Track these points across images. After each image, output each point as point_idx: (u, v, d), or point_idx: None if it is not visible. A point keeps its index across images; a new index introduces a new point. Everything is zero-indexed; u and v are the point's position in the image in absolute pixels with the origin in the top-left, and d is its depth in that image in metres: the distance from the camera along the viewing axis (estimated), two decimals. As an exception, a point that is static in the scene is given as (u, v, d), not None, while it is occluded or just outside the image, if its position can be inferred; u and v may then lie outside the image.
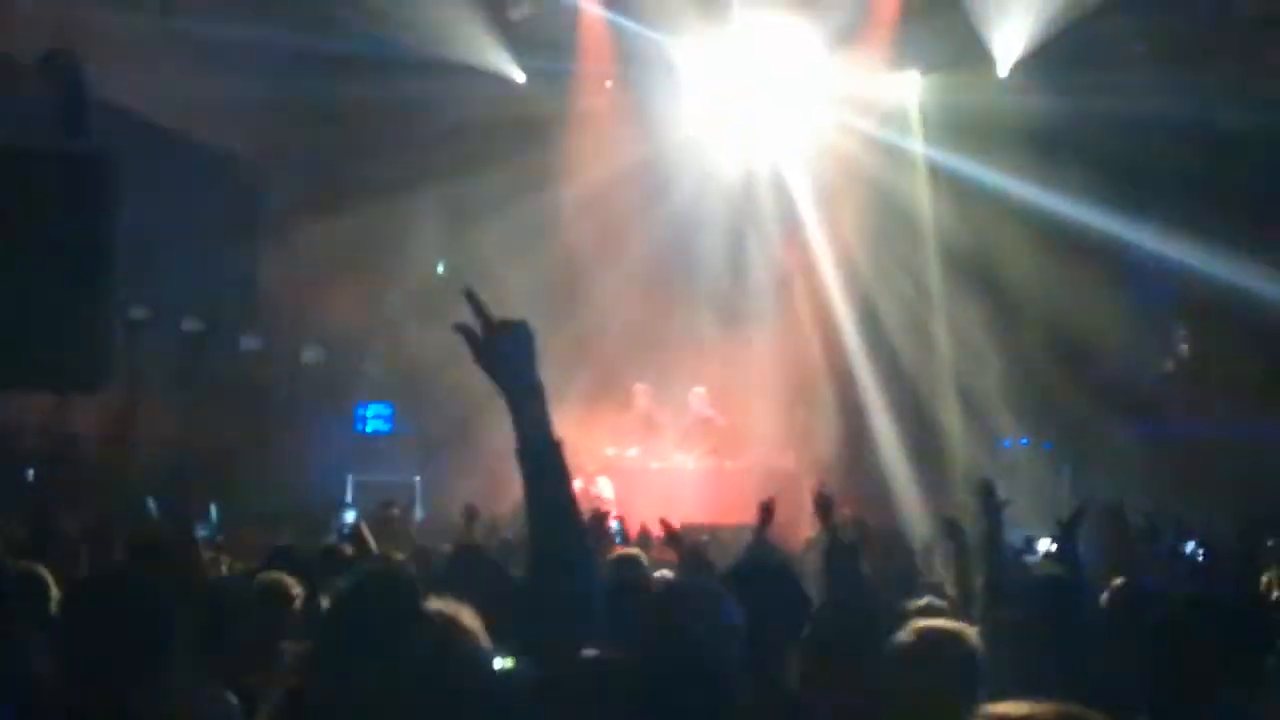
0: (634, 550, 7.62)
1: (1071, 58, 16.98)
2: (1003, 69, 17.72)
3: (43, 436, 13.41)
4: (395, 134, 18.05)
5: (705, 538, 11.51)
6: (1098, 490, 14.23)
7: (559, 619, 3.16)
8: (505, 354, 3.18)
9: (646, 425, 17.59)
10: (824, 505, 7.86)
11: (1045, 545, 9.47)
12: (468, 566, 5.96)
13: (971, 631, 4.45)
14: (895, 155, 18.52)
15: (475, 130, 18.06)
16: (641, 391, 17.70)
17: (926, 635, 4.25)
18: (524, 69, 18.76)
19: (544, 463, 3.17)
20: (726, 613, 3.95)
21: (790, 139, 18.91)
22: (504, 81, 18.61)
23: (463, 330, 3.18)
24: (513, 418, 3.18)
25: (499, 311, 3.21)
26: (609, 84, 19.22)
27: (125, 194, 12.22)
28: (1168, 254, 17.15)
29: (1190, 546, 9.09)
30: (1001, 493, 6.95)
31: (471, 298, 3.22)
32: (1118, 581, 5.88)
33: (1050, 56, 17.14)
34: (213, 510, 12.13)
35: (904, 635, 4.25)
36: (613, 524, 10.63)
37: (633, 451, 17.26)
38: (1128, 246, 17.48)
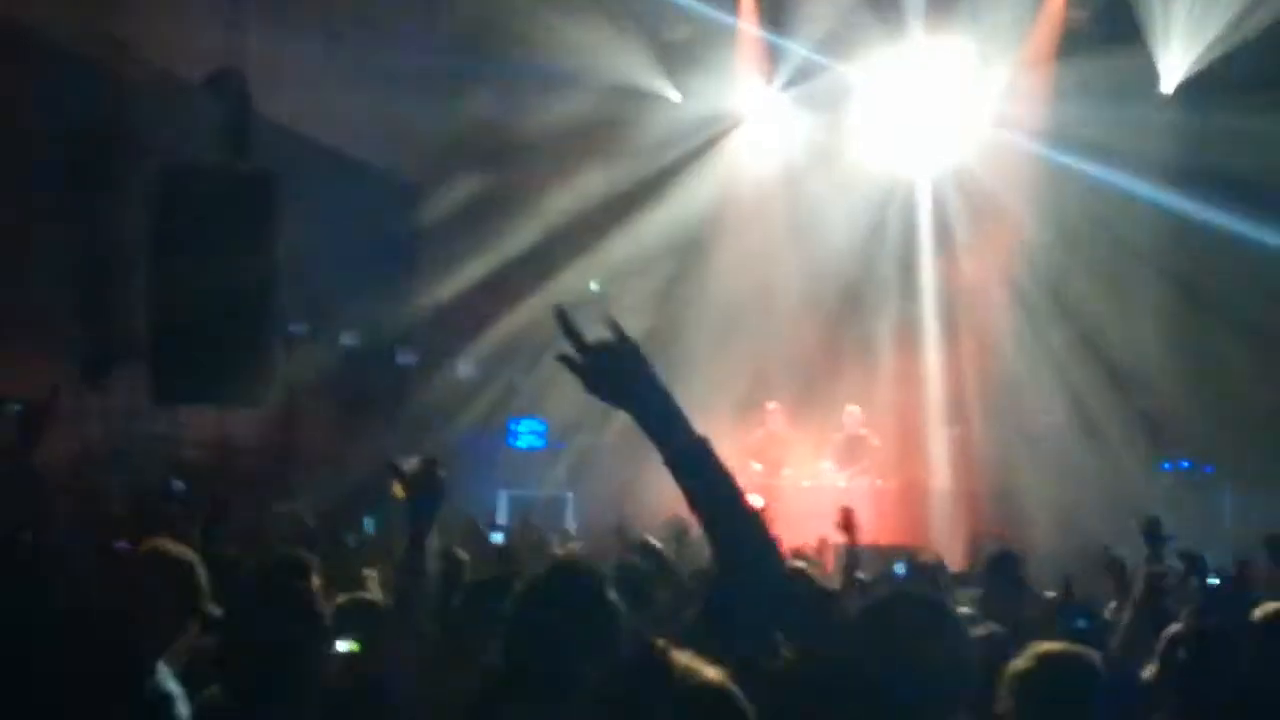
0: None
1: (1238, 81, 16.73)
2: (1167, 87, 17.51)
3: (203, 449, 13.68)
4: (552, 152, 18.20)
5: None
6: (1258, 516, 13.92)
7: (755, 616, 3.08)
8: (611, 373, 3.05)
9: (776, 444, 17.53)
10: (846, 524, 7.75)
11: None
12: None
13: (1094, 656, 4.39)
14: (1059, 173, 18.25)
15: (629, 148, 18.20)
16: (774, 411, 17.67)
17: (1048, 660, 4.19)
18: (680, 88, 18.86)
19: (693, 465, 3.03)
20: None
21: (953, 155, 18.75)
22: (661, 100, 18.72)
23: (564, 361, 3.06)
24: (645, 434, 3.05)
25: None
26: (765, 102, 19.18)
27: (288, 212, 12.49)
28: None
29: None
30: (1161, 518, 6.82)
31: (562, 318, 3.09)
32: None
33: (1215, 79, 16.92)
34: (366, 522, 12.30)
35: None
36: None
37: (787, 471, 17.22)
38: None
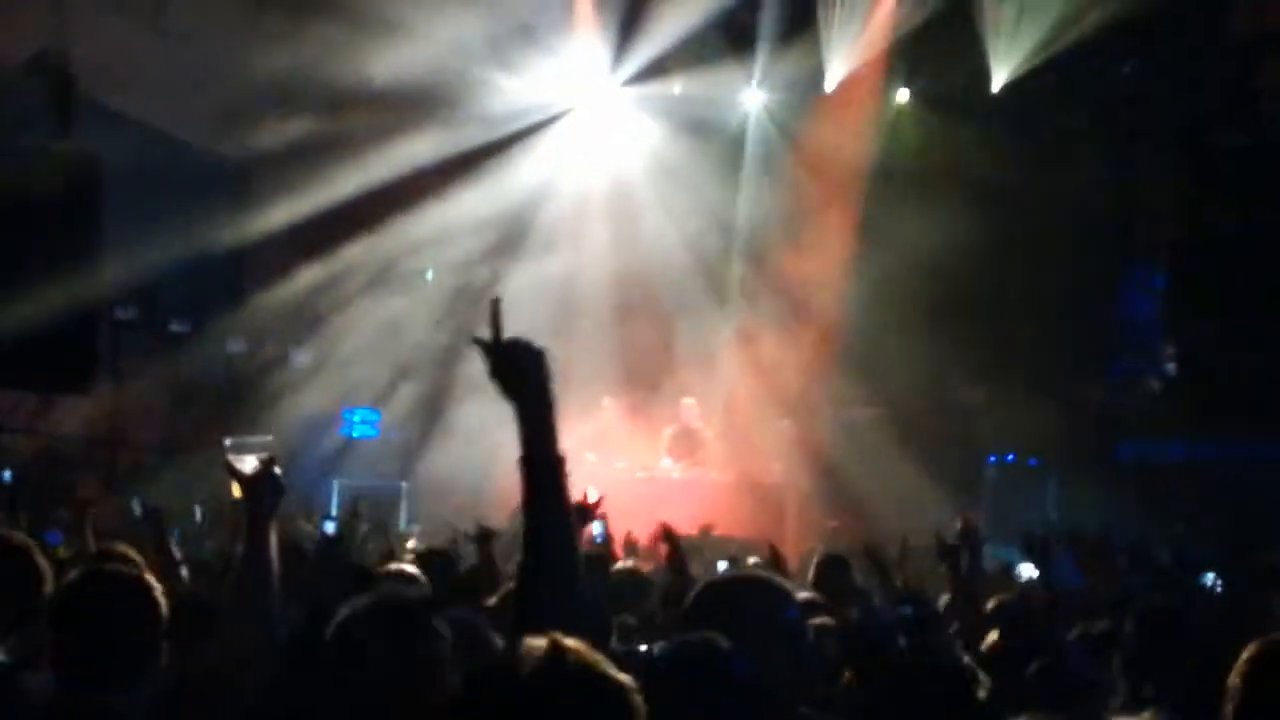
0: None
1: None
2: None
3: (28, 437, 13.37)
4: (384, 127, 17.97)
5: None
6: (1082, 508, 14.27)
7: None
8: (519, 369, 3.22)
9: (610, 437, 17.61)
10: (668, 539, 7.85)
11: (1027, 570, 9.39)
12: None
13: None
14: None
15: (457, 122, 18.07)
16: (608, 405, 17.75)
17: None
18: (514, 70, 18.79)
19: (544, 477, 3.20)
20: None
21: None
22: (492, 80, 18.63)
23: (479, 344, 3.23)
24: (519, 429, 3.21)
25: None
26: (601, 94, 19.22)
27: (114, 195, 12.24)
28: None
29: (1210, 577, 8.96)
30: (987, 509, 6.99)
31: (494, 310, 3.28)
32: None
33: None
34: (197, 511, 12.10)
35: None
36: (595, 525, 10.58)
37: (620, 463, 17.26)
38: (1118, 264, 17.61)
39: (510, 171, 18.41)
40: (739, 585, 4.04)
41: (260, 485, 4.37)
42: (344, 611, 3.62)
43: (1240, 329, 16.75)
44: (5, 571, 4.69)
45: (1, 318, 11.64)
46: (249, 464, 4.40)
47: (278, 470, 4.41)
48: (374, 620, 3.60)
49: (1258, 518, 14.28)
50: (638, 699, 2.32)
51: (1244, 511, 14.70)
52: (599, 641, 2.85)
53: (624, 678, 2.33)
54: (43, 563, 4.79)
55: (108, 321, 13.37)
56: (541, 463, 3.20)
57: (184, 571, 6.63)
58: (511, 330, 3.23)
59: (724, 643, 3.47)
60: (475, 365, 3.21)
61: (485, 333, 3.24)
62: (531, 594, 3.19)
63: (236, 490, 4.38)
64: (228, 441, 4.35)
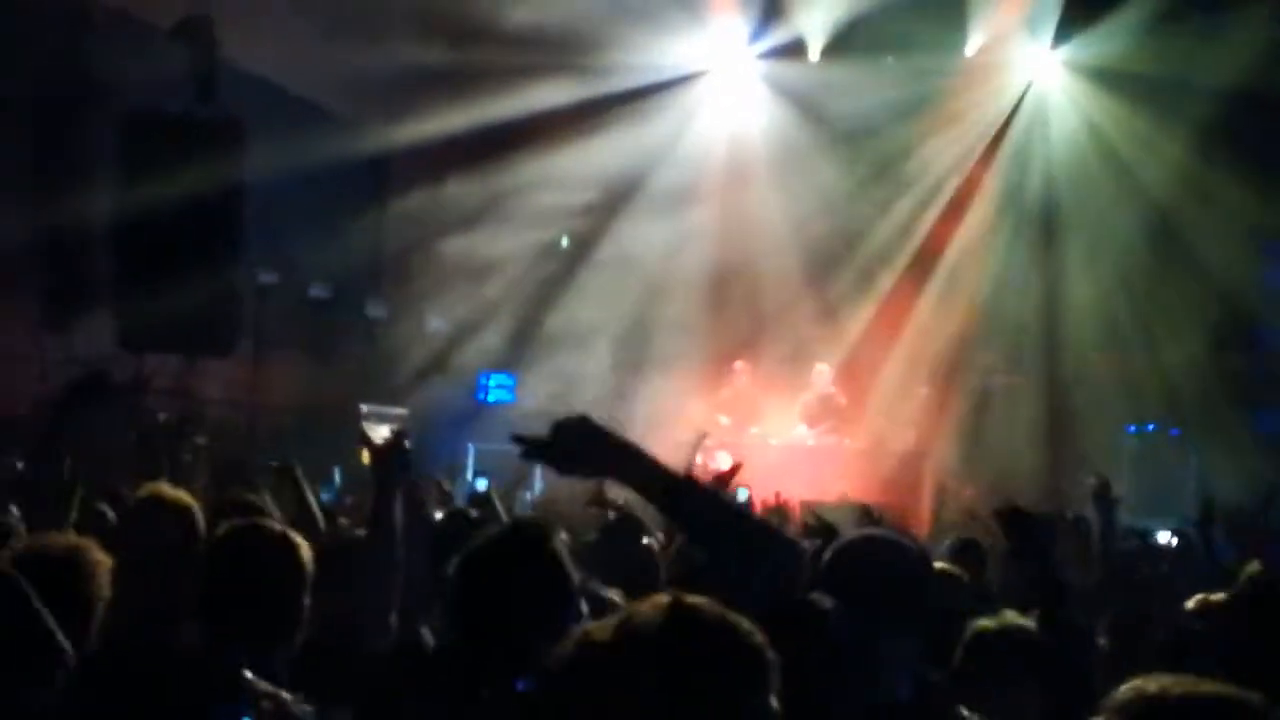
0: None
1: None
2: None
3: (171, 398, 13.60)
4: (519, 105, 18.04)
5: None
6: (1226, 481, 13.96)
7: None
8: (575, 452, 3.10)
9: (742, 403, 17.56)
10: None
11: (1165, 537, 9.21)
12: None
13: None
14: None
15: (589, 103, 18.07)
16: (741, 369, 17.69)
17: None
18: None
19: (687, 507, 3.11)
20: None
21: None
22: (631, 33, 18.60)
23: (530, 456, 3.14)
24: (634, 491, 3.12)
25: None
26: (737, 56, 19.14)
27: (255, 160, 12.41)
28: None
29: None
30: (1125, 480, 6.87)
31: (518, 440, 3.15)
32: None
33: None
34: (336, 474, 12.25)
35: None
36: (740, 492, 10.61)
37: (755, 429, 17.23)
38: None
39: (640, 127, 18.40)
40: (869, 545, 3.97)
41: (390, 456, 4.45)
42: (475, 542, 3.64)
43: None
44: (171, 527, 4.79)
45: (148, 283, 11.88)
46: (381, 433, 4.49)
47: (408, 443, 4.48)
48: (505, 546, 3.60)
49: None
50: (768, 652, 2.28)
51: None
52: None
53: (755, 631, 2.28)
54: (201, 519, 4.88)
55: (249, 286, 13.56)
56: (672, 497, 3.08)
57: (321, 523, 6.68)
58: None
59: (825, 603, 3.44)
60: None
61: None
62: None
63: (366, 458, 4.46)
64: (364, 409, 4.44)
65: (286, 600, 3.98)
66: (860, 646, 3.41)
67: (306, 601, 4.02)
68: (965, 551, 7.24)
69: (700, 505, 3.11)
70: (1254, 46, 16.36)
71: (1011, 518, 4.91)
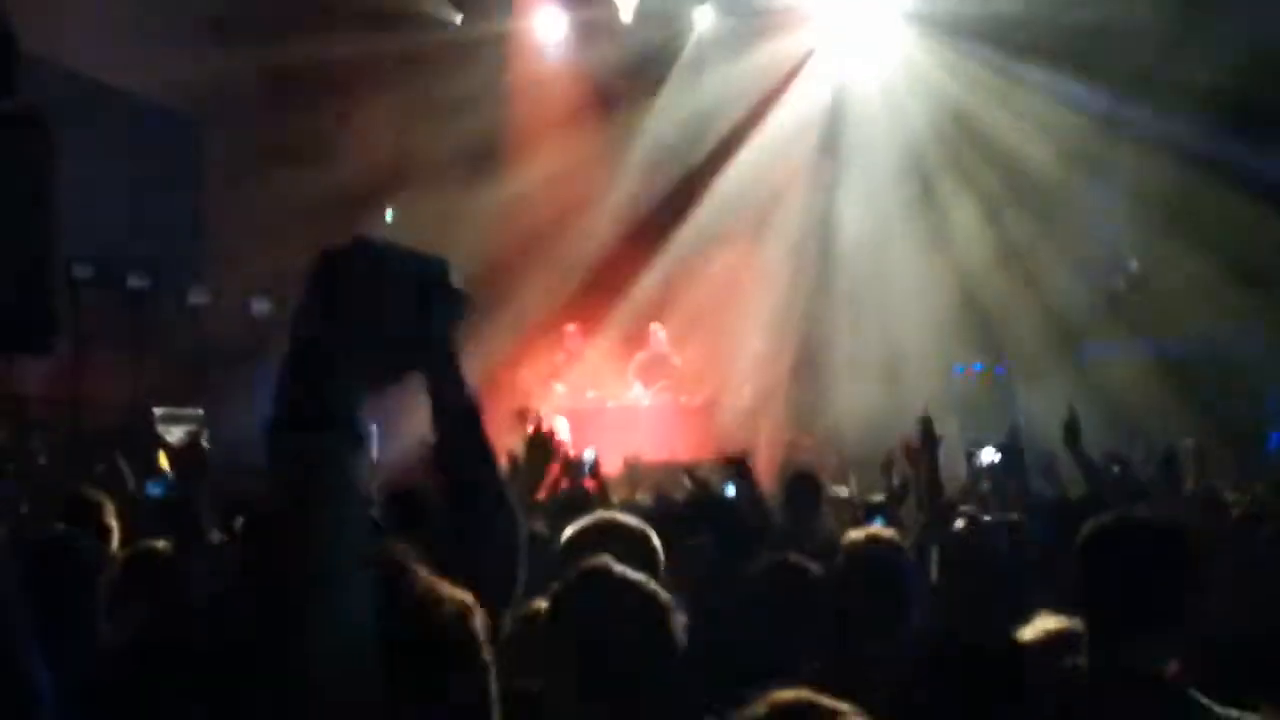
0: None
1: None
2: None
3: (-9, 399, 13.29)
4: (336, 81, 17.91)
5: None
6: (1051, 413, 14.29)
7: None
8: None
9: (575, 365, 17.62)
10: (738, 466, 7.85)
11: (989, 454, 9.48)
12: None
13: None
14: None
15: (417, 75, 18.01)
16: (572, 333, 17.74)
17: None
18: (461, 9, 18.74)
19: (460, 426, 2.97)
20: None
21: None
22: (440, 24, 18.61)
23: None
24: (427, 383, 2.91)
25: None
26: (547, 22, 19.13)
27: (65, 152, 12.10)
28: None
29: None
30: (954, 418, 7.07)
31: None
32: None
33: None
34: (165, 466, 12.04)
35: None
36: (587, 454, 10.65)
37: (591, 393, 17.27)
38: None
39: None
40: None
41: (187, 458, 4.50)
42: None
43: None
44: None
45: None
46: (177, 435, 4.56)
47: (204, 444, 4.53)
48: None
49: None
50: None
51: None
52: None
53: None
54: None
55: (65, 281, 13.24)
56: (455, 414, 2.94)
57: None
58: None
59: None
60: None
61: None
62: (463, 542, 2.97)
63: (164, 461, 4.51)
64: (157, 412, 4.41)
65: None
66: None
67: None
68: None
69: (473, 443, 2.97)
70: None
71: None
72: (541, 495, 6.25)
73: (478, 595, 2.29)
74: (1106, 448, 9.83)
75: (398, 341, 1.85)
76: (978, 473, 8.40)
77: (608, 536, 4.02)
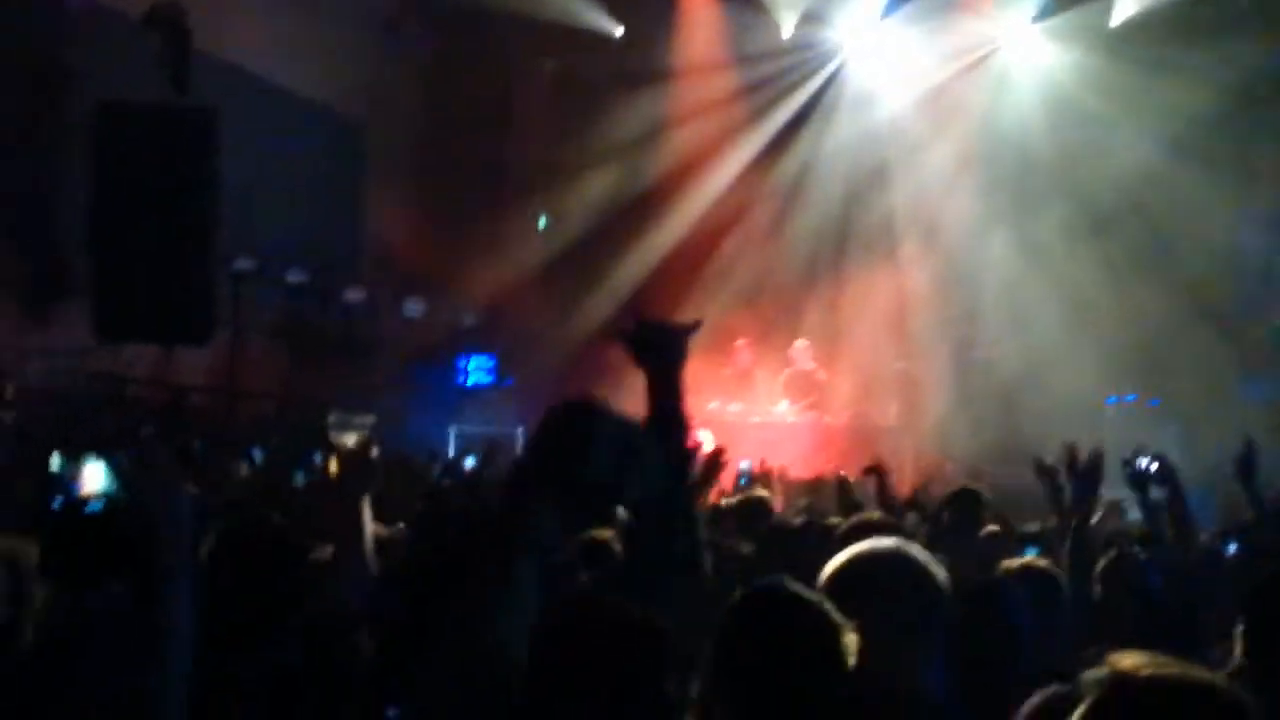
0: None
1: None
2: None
3: (150, 387, 13.58)
4: (498, 88, 18.14)
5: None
6: (1207, 451, 13.98)
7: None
8: (661, 349, 3.28)
9: (746, 381, 17.58)
10: (877, 473, 7.72)
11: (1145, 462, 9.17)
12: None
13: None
14: (1010, 98, 18.39)
15: (577, 85, 18.17)
16: (742, 347, 17.69)
17: None
18: (622, 22, 18.85)
19: (670, 433, 3.20)
20: None
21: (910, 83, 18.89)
22: (602, 37, 18.73)
23: (621, 336, 3.33)
24: (650, 389, 3.25)
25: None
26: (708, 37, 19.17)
27: (230, 148, 12.37)
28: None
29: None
30: (1106, 449, 6.86)
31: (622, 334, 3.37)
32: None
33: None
34: (317, 458, 12.22)
35: None
36: (743, 465, 10.85)
37: (735, 407, 17.23)
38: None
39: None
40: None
41: (355, 464, 4.53)
42: None
43: None
44: None
45: (123, 273, 11.84)
46: (348, 441, 4.58)
47: (374, 452, 4.56)
48: None
49: None
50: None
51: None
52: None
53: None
54: None
55: (225, 273, 13.54)
56: (668, 425, 3.19)
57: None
58: None
59: None
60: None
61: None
62: (650, 540, 3.14)
63: (334, 466, 4.53)
64: (331, 418, 4.47)
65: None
66: None
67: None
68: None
69: (676, 459, 3.20)
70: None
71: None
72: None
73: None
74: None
75: (591, 492, 2.17)
76: (1140, 476, 8.03)
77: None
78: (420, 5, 18.09)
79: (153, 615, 2.67)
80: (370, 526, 4.48)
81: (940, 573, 3.58)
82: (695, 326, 3.39)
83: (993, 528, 7.73)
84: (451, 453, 16.26)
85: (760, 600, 3.19)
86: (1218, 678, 2.32)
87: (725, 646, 3.07)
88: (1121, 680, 2.28)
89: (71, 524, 3.69)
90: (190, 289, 12.04)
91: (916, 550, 3.66)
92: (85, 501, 3.21)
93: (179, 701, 2.69)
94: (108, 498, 3.20)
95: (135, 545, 2.70)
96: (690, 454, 3.32)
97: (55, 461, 5.70)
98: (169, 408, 13.10)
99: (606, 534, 5.30)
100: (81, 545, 3.59)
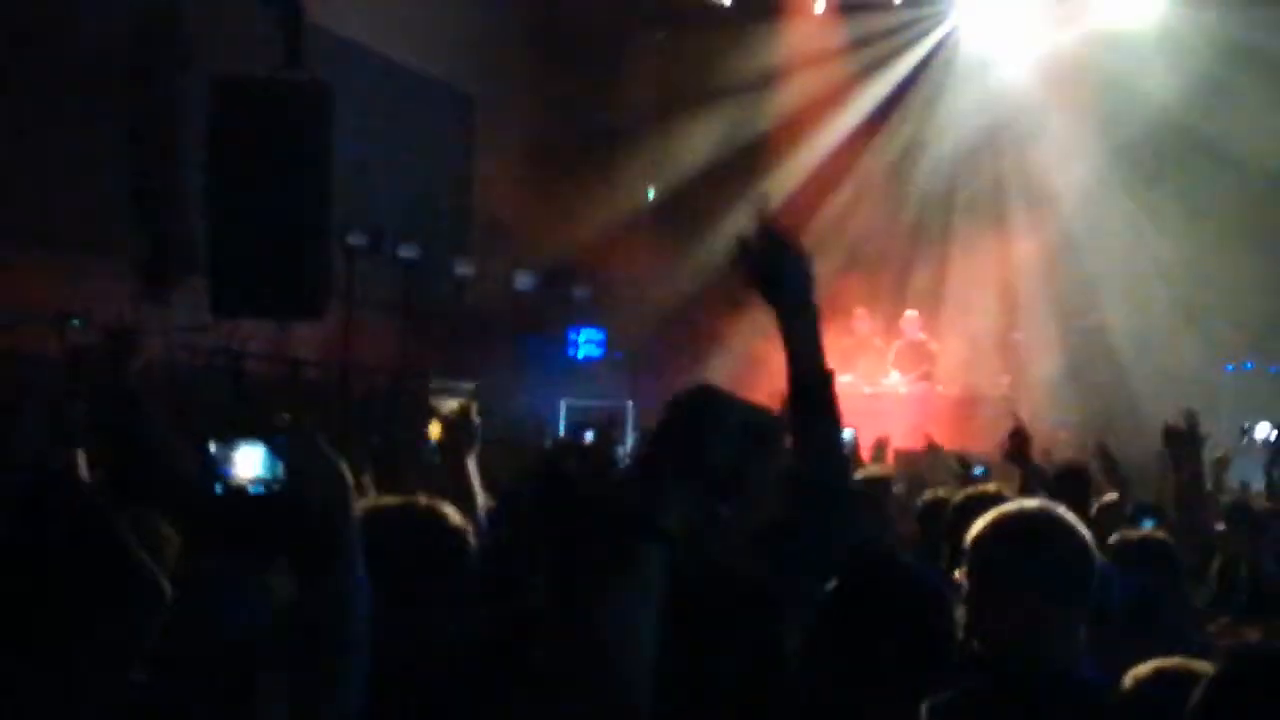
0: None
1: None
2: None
3: (265, 360, 13.75)
4: (608, 59, 18.16)
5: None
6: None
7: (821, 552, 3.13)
8: (782, 275, 3.13)
9: (865, 350, 17.50)
10: (1018, 441, 7.51)
11: (1265, 430, 8.94)
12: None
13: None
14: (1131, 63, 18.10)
15: (684, 57, 18.16)
16: (861, 315, 17.60)
17: None
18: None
19: (814, 393, 3.16)
20: None
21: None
22: (711, 6, 18.69)
23: (740, 244, 3.13)
24: (785, 343, 3.14)
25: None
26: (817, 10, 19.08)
27: (343, 123, 12.48)
28: None
29: None
30: (1224, 418, 6.76)
31: (762, 210, 3.18)
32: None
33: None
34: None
35: None
36: (846, 432, 10.61)
37: (847, 377, 17.16)
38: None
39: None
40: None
41: (458, 429, 4.63)
42: None
43: None
44: None
45: (238, 247, 11.99)
46: (450, 406, 4.70)
47: (475, 416, 4.64)
48: None
49: None
50: None
51: None
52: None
53: None
54: None
55: (339, 248, 13.66)
56: (810, 380, 3.15)
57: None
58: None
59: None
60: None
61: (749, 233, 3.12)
62: (807, 510, 3.15)
63: (436, 431, 4.64)
64: (433, 384, 4.59)
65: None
66: None
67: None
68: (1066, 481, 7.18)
69: (825, 417, 3.17)
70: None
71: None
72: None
73: None
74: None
75: (715, 474, 2.14)
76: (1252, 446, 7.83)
77: None
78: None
79: (322, 601, 2.70)
80: (479, 492, 4.55)
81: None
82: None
83: (1110, 497, 7.61)
84: (562, 426, 16.34)
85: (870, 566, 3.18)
86: None
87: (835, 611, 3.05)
88: (1245, 656, 2.27)
89: (242, 509, 3.74)
90: (304, 264, 12.17)
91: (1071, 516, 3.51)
92: (247, 487, 3.23)
93: (359, 687, 2.73)
94: (269, 482, 3.22)
95: (304, 530, 2.74)
96: (838, 425, 3.22)
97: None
98: (287, 384, 13.28)
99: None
100: (255, 530, 3.63)
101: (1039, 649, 3.24)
